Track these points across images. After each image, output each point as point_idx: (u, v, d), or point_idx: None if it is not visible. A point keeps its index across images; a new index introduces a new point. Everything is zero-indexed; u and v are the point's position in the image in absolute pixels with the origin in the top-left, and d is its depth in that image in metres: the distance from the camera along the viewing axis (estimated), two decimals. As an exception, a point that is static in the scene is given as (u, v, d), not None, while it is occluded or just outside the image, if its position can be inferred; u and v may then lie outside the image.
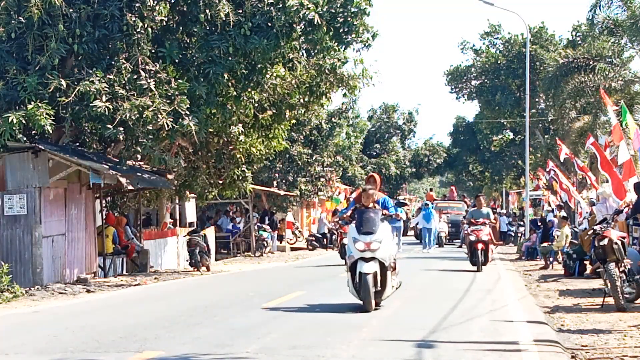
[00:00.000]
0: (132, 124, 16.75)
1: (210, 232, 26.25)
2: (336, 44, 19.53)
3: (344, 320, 10.51)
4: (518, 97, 45.80)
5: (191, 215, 29.72)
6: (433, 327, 9.70)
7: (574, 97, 28.44)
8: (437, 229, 33.75)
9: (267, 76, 19.88)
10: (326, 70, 21.27)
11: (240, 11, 18.03)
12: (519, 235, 37.80)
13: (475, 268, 19.22)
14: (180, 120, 17.11)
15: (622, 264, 11.95)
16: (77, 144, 19.04)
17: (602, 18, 25.95)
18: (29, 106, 15.92)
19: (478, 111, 52.84)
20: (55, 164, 17.28)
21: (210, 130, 20.85)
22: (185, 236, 23.57)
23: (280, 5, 17.77)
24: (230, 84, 19.28)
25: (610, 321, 10.56)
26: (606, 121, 27.36)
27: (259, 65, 18.92)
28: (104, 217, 20.71)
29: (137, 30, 17.18)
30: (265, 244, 32.12)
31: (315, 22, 17.83)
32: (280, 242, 36.51)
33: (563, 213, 24.01)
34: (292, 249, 36.10)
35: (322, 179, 38.78)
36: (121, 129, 17.03)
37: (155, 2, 17.50)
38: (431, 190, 67.54)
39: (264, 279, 19.31)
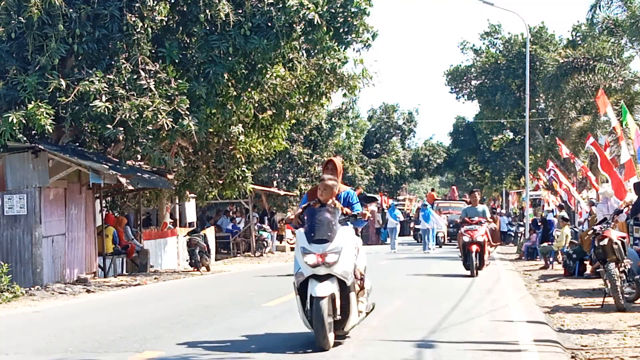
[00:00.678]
0: (132, 124, 16.75)
1: (210, 232, 26.24)
2: (336, 44, 19.55)
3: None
4: (518, 97, 45.81)
5: (191, 215, 29.72)
6: (433, 327, 9.69)
7: (574, 97, 28.45)
8: (436, 230, 33.65)
9: (267, 76, 19.89)
10: (326, 70, 21.28)
11: (240, 11, 18.04)
12: (519, 235, 37.79)
13: (469, 272, 17.61)
14: (180, 120, 17.11)
15: (622, 264, 11.95)
16: (77, 144, 19.04)
17: (602, 18, 25.95)
18: (29, 106, 15.93)
19: (478, 111, 52.86)
20: (55, 164, 17.29)
21: (210, 130, 20.86)
22: (185, 236, 23.57)
23: (280, 5, 17.78)
24: (230, 84, 19.29)
25: (610, 321, 10.55)
26: (606, 121, 27.36)
27: (259, 65, 18.92)
28: (104, 217, 20.71)
29: (137, 30, 17.19)
30: (265, 244, 32.13)
31: (315, 22, 17.84)
32: (280, 242, 36.51)
33: (564, 214, 23.99)
34: (292, 249, 36.09)
35: (322, 179, 38.77)
36: (121, 129, 17.04)
37: (155, 2, 17.50)
38: (432, 190, 67.49)
39: (264, 279, 19.29)
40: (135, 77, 17.12)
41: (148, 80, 17.10)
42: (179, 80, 17.57)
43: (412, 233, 46.87)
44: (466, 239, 17.77)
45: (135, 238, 22.31)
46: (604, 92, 20.38)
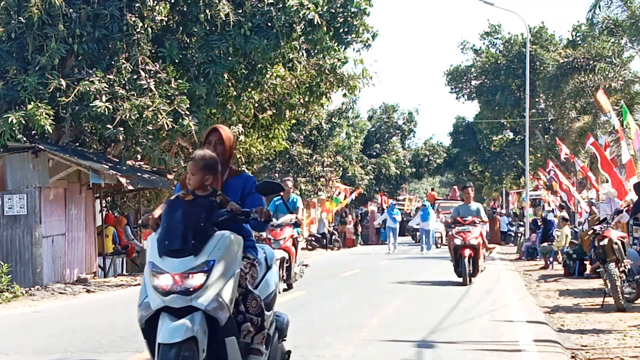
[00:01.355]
0: (132, 124, 16.76)
1: (210, 232, 26.19)
2: (336, 44, 19.56)
3: (344, 320, 10.51)
4: (518, 97, 45.79)
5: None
6: (433, 327, 9.70)
7: (574, 97, 28.46)
8: (434, 230, 33.53)
9: (267, 76, 19.89)
10: (326, 70, 21.29)
11: (240, 11, 18.04)
12: (519, 235, 37.79)
13: (461, 279, 15.71)
14: (180, 120, 17.12)
15: (622, 264, 11.95)
16: (77, 144, 19.04)
17: (602, 18, 25.95)
18: (29, 106, 15.93)
19: (478, 111, 52.85)
20: (55, 164, 17.28)
21: (211, 130, 20.84)
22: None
23: (280, 5, 17.78)
24: (230, 84, 19.29)
25: (610, 321, 10.55)
26: (606, 121, 27.40)
27: (259, 65, 18.93)
28: (104, 217, 20.70)
29: (137, 30, 17.19)
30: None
31: (315, 22, 17.84)
32: (280, 242, 36.47)
33: (564, 214, 24.00)
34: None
35: (322, 179, 38.80)
36: (121, 129, 17.05)
37: (155, 2, 17.50)
38: (433, 190, 67.43)
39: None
40: (135, 77, 17.13)
41: (148, 80, 17.10)
42: (179, 80, 17.57)
43: (410, 233, 46.79)
44: (458, 241, 15.78)
45: (136, 238, 22.30)
46: (605, 91, 20.40)
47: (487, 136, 55.09)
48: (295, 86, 21.58)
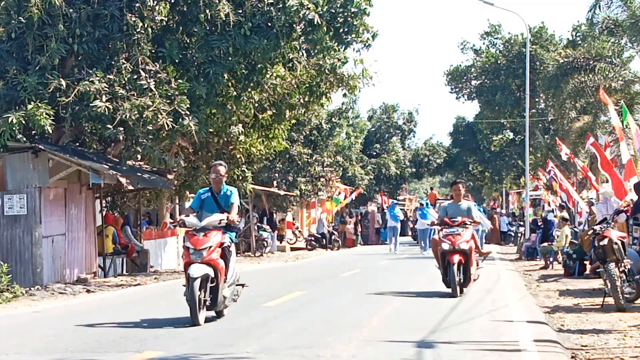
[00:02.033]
0: (132, 124, 16.76)
1: (210, 232, 26.19)
2: (336, 44, 19.54)
3: (344, 320, 10.51)
4: (518, 97, 45.82)
5: (191, 215, 29.67)
6: (433, 327, 9.70)
7: (574, 97, 28.44)
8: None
9: (267, 76, 19.89)
10: (326, 70, 21.27)
11: (240, 11, 18.03)
12: (519, 235, 37.80)
13: (450, 290, 13.45)
14: (180, 120, 17.12)
15: (622, 264, 11.96)
16: (77, 144, 19.04)
17: (602, 18, 25.94)
18: (29, 106, 15.93)
19: (478, 111, 52.87)
20: (55, 164, 17.28)
21: (210, 130, 20.85)
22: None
23: (280, 5, 17.78)
24: (230, 84, 19.29)
25: (610, 321, 10.56)
26: (606, 121, 27.37)
27: (259, 65, 18.92)
28: (104, 217, 20.70)
29: (137, 30, 17.18)
30: (265, 244, 32.13)
31: (315, 22, 17.84)
32: (281, 242, 36.52)
33: (564, 214, 24.01)
34: (292, 249, 36.12)
35: (322, 179, 38.79)
36: (121, 129, 17.04)
37: (155, 2, 17.50)
38: (432, 189, 67.39)
39: (264, 279, 19.29)
40: (135, 77, 17.12)
41: (148, 80, 17.10)
42: (179, 80, 17.57)
43: (410, 234, 46.79)
44: (446, 246, 13.52)
45: (135, 238, 22.30)
46: (605, 91, 20.39)
47: (487, 136, 55.11)
48: (295, 86, 21.57)
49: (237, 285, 10.85)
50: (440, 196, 60.40)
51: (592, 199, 25.37)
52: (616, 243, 11.93)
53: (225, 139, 22.68)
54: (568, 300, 13.58)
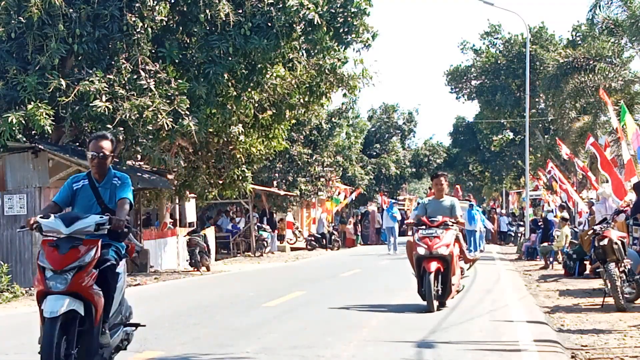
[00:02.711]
0: (132, 124, 16.76)
1: (210, 232, 26.25)
2: (336, 44, 19.55)
3: (344, 320, 10.51)
4: (518, 97, 45.82)
5: (191, 215, 29.71)
6: (433, 327, 9.70)
7: (574, 97, 28.44)
8: None
9: (267, 76, 19.89)
10: (326, 70, 21.28)
11: (240, 11, 18.04)
12: (519, 235, 37.81)
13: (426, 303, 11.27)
14: (180, 120, 17.12)
15: (622, 264, 11.96)
16: (77, 144, 19.05)
17: (602, 18, 25.94)
18: (29, 106, 15.93)
19: (478, 111, 52.87)
20: (55, 164, 17.29)
21: (210, 130, 20.85)
22: (185, 236, 23.58)
23: (280, 5, 17.79)
24: (230, 84, 19.29)
25: (610, 321, 10.55)
26: (606, 121, 27.37)
27: (259, 65, 18.93)
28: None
29: (137, 30, 17.19)
30: (265, 244, 32.13)
31: (315, 22, 17.84)
32: (281, 242, 36.52)
33: (565, 214, 24.01)
34: (292, 249, 36.12)
35: (322, 179, 38.78)
36: (121, 129, 17.04)
37: (155, 2, 17.50)
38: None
39: (264, 279, 19.30)
40: (135, 77, 17.13)
41: (148, 80, 17.10)
42: (179, 80, 17.58)
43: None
44: (421, 251, 11.31)
45: (135, 238, 22.26)
46: (605, 91, 20.39)
47: (487, 136, 55.12)
48: (295, 86, 21.58)
49: (126, 326, 7.14)
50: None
51: (592, 199, 25.36)
52: (616, 243, 11.93)
53: (225, 139, 22.68)
54: (568, 300, 13.57)
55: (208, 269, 22.32)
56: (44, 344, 5.95)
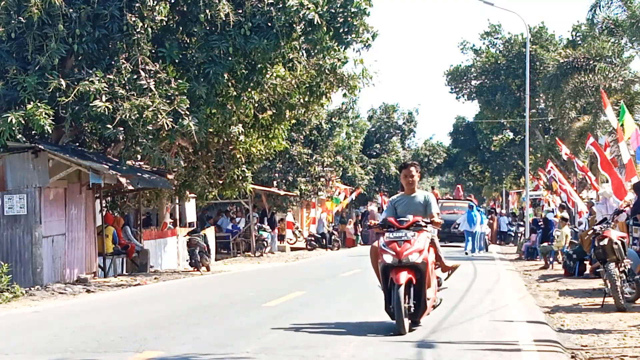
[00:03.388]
0: (132, 124, 16.75)
1: (210, 232, 26.25)
2: (336, 44, 19.53)
3: (344, 320, 10.51)
4: (518, 97, 45.82)
5: (191, 215, 29.72)
6: (433, 327, 9.69)
7: (574, 97, 28.45)
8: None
9: (267, 76, 19.88)
10: (326, 70, 21.26)
11: (240, 11, 18.03)
12: (519, 235, 37.81)
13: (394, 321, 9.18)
14: (180, 120, 17.11)
15: (622, 264, 11.96)
16: (77, 144, 19.04)
17: (602, 18, 25.96)
18: (29, 106, 15.92)
19: (478, 111, 52.88)
20: (55, 164, 17.28)
21: (210, 130, 20.84)
22: (185, 236, 23.58)
23: (280, 5, 17.77)
24: (230, 84, 19.28)
25: (610, 321, 10.56)
26: (606, 121, 27.36)
27: (259, 65, 18.92)
28: (104, 217, 20.70)
29: (137, 30, 17.18)
30: (265, 244, 32.13)
31: (315, 22, 17.83)
32: (281, 242, 36.51)
33: (565, 214, 24.02)
34: (292, 249, 36.12)
35: (322, 179, 38.78)
36: (121, 129, 17.04)
37: (155, 2, 17.49)
38: (433, 188, 67.32)
39: (264, 279, 19.31)
40: (135, 77, 17.12)
41: (148, 80, 17.09)
42: (179, 80, 17.57)
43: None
44: (388, 259, 9.22)
45: (135, 238, 22.30)
46: (605, 91, 20.38)
47: (487, 136, 55.14)
48: (295, 86, 21.56)
49: None
50: (441, 196, 60.47)
51: (592, 199, 25.37)
52: (616, 243, 11.93)
53: (225, 139, 22.67)
54: (568, 300, 13.58)
55: (208, 269, 22.32)
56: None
